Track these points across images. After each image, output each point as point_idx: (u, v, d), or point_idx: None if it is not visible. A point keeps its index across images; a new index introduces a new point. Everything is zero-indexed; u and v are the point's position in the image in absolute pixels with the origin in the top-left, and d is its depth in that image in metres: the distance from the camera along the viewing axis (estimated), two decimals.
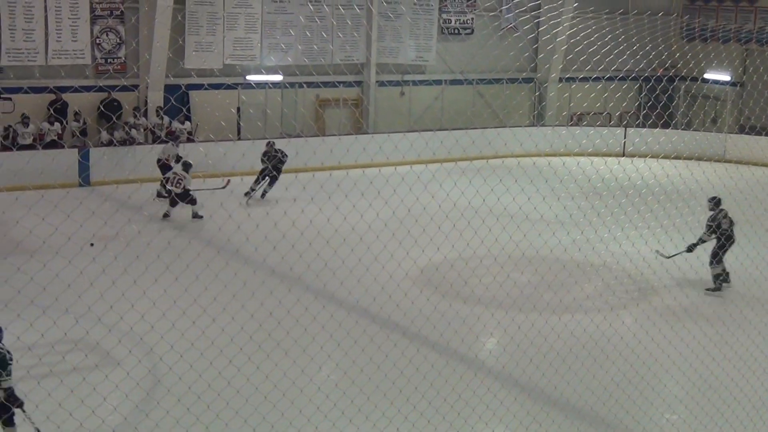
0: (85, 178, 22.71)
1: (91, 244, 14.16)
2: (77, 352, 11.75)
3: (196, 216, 19.56)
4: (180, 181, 19.35)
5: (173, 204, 19.35)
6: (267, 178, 21.37)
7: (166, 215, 19.57)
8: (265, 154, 21.47)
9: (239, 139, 26.22)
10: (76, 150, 23.06)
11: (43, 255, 13.52)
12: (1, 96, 23.18)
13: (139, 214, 18.70)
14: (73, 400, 9.01)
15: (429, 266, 15.55)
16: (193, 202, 19.40)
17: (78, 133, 24.18)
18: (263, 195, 21.34)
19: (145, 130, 24.86)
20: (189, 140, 24.84)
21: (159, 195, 20.69)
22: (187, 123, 25.45)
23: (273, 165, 21.24)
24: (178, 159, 20.64)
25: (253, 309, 11.66)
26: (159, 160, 21.55)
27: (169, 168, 20.71)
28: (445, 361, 12.19)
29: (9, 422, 8.44)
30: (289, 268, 13.66)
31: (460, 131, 24.89)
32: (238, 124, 27.01)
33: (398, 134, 23.27)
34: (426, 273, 15.57)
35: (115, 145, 23.51)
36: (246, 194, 21.13)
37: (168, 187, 19.67)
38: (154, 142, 24.35)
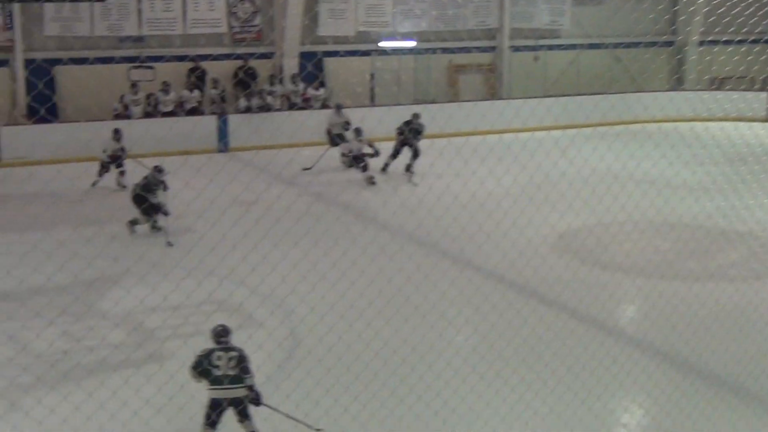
0: (224, 144, 23.19)
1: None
2: (221, 312, 12.03)
3: (370, 181, 19.66)
4: (348, 146, 19.63)
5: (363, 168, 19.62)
6: (407, 148, 20.34)
7: (371, 181, 19.69)
8: (407, 124, 20.26)
9: (373, 105, 26.38)
10: (215, 117, 23.56)
11: (187, 218, 13.91)
12: (143, 65, 23.79)
13: (278, 180, 18.93)
14: None
15: (568, 232, 15.35)
16: (364, 167, 19.56)
17: (216, 101, 24.67)
18: (408, 168, 20.37)
19: (281, 97, 25.20)
20: (324, 107, 25.08)
21: (344, 163, 20.81)
22: (322, 90, 25.69)
23: (414, 136, 20.16)
24: (346, 126, 20.77)
25: (392, 273, 11.71)
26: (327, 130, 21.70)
27: (336, 136, 20.93)
28: (585, 327, 12.01)
29: (245, 415, 8.50)
30: (426, 234, 13.67)
31: (599, 96, 24.39)
32: (372, 90, 27.15)
33: (535, 99, 22.96)
34: (565, 239, 15.36)
35: (253, 112, 23.92)
36: (382, 170, 20.45)
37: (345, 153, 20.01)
38: (290, 108, 24.67)
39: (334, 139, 21.15)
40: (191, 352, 9.42)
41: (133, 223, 15.11)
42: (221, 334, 8.46)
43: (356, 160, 19.65)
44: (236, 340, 10.44)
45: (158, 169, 15.02)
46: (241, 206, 14.29)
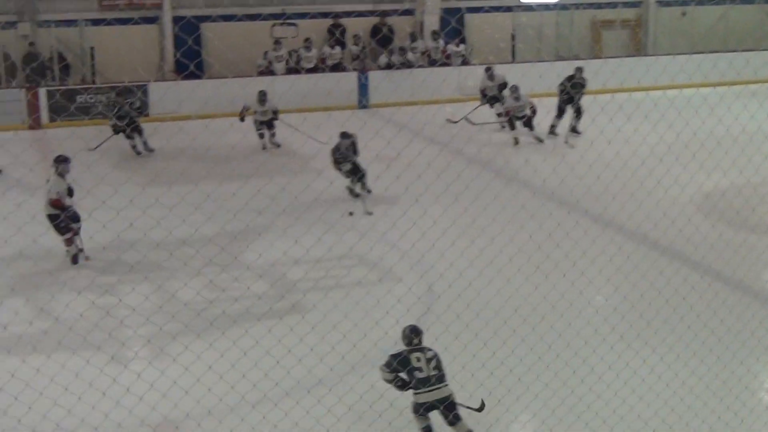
0: (365, 101, 23.34)
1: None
2: (361, 267, 12.21)
3: (538, 139, 19.36)
4: (506, 106, 19.29)
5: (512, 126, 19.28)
6: (569, 108, 19.44)
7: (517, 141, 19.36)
8: (570, 79, 19.22)
9: (514, 61, 26.11)
10: (355, 73, 23.70)
11: (330, 172, 14.07)
12: (287, 21, 24.09)
13: (419, 136, 18.98)
14: (358, 312, 9.35)
15: (714, 192, 14.94)
16: (512, 125, 19.29)
17: (357, 57, 24.82)
18: (573, 129, 19.44)
19: (421, 53, 25.15)
20: (464, 63, 24.97)
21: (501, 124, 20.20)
22: (462, 46, 25.55)
23: (577, 92, 19.07)
24: (502, 87, 20.42)
25: (532, 230, 11.64)
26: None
27: (490, 97, 20.58)
28: (730, 290, 11.72)
29: (456, 419, 7.99)
30: (568, 191, 13.51)
31: (751, 52, 23.49)
32: (513, 46, 26.86)
33: (683, 56, 22.28)
34: (711, 199, 14.97)
35: (394, 68, 23.96)
36: (550, 132, 19.60)
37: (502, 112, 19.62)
38: (430, 65, 24.61)
39: (489, 100, 20.70)
40: (332, 304, 9.63)
41: (351, 190, 15.20)
42: (414, 334, 8.14)
43: (509, 117, 19.20)
44: (376, 293, 10.60)
45: (345, 135, 14.98)
46: (381, 162, 14.40)
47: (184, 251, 11.64)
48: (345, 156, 14.79)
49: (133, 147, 18.66)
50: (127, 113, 18.36)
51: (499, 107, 19.83)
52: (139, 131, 18.61)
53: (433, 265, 11.86)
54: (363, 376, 8.86)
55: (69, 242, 12.44)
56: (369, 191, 15.11)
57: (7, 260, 12.37)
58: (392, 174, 12.92)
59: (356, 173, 15.03)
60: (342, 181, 14.80)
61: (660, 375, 8.92)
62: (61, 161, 12.41)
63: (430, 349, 8.02)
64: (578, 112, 19.28)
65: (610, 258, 11.58)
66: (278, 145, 18.98)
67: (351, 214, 14.25)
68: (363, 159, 13.48)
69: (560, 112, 19.60)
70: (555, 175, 12.42)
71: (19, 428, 7.29)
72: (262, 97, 18.67)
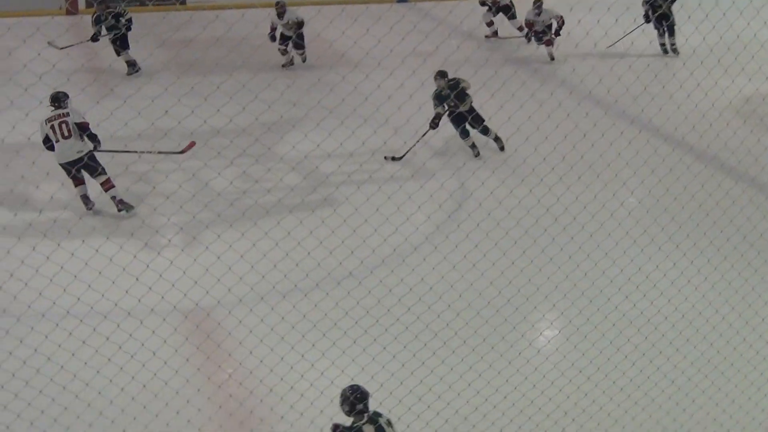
0: None
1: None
2: (394, 162, 12.19)
3: (550, 57, 18.11)
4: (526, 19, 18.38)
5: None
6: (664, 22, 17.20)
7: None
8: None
9: None
10: None
11: (366, 67, 13.90)
12: None
13: (457, 31, 18.75)
14: (390, 206, 9.35)
15: (755, 96, 14.71)
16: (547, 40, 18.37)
17: None
18: (673, 48, 17.12)
19: None
20: None
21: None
22: None
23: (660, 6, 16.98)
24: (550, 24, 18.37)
25: (568, 129, 11.50)
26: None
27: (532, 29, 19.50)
28: (765, 196, 11.64)
29: None
30: (606, 92, 13.33)
31: None
32: None
33: None
34: (752, 103, 14.73)
35: None
36: (663, 51, 17.08)
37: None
38: None
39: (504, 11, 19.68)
40: (364, 198, 9.64)
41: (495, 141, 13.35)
42: (359, 399, 6.13)
43: (537, 36, 18.40)
44: (408, 189, 10.58)
45: (441, 74, 13.26)
46: (419, 57, 14.27)
47: (218, 141, 11.65)
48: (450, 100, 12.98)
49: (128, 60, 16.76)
50: (114, 25, 16.67)
51: (517, 22, 18.74)
52: (125, 46, 16.77)
53: (466, 162, 11.82)
54: (393, 270, 8.94)
55: (107, 185, 11.26)
56: (501, 148, 13.09)
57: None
58: (428, 69, 12.84)
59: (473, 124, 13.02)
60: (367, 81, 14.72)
61: (690, 278, 8.92)
62: (64, 97, 11.18)
63: (381, 414, 6.26)
64: (671, 28, 17.27)
65: (645, 160, 11.49)
66: (304, 60, 17.53)
67: (394, 159, 12.97)
68: (399, 52, 13.26)
69: (660, 29, 17.37)
70: (593, 73, 12.22)
71: (54, 309, 7.43)
72: (280, 9, 16.78)
